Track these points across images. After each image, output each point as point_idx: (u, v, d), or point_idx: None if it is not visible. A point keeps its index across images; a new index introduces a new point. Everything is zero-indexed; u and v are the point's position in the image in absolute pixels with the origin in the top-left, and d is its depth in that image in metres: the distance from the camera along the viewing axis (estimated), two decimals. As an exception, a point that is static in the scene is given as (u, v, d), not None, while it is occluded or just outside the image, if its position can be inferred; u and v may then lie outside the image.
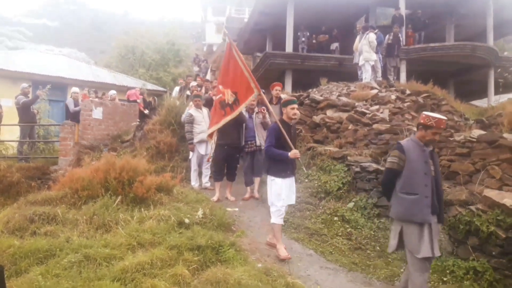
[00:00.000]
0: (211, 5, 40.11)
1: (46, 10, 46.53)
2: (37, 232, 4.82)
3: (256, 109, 7.30)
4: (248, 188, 7.36)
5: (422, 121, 3.86)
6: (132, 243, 4.47)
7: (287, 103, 5.06)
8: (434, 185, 3.81)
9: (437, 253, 3.74)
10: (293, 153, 4.83)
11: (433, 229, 3.73)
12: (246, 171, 7.30)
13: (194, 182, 7.80)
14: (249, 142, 7.23)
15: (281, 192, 4.89)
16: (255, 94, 5.35)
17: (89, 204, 5.43)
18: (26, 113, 10.17)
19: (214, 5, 39.40)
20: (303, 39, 16.55)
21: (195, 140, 7.72)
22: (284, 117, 5.04)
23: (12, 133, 10.87)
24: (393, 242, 3.90)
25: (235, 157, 7.35)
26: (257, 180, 7.36)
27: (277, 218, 4.97)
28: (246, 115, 7.29)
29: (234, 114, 5.54)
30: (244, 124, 7.25)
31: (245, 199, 7.21)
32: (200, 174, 7.98)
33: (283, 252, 4.87)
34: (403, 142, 3.98)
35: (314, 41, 16.95)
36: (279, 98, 7.79)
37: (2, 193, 8.51)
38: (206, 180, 7.91)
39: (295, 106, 5.03)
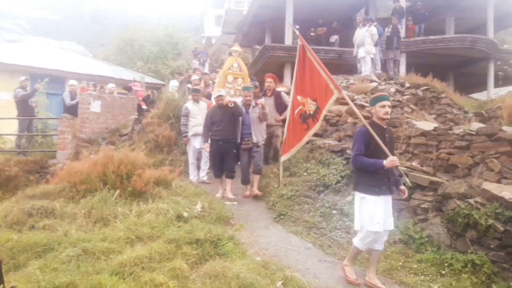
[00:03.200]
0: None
1: (45, 3, 46.22)
2: (35, 226, 4.83)
3: (252, 103, 7.07)
4: (248, 185, 7.15)
5: None
6: (130, 237, 4.46)
7: (375, 100, 4.06)
8: None
9: None
10: (390, 160, 3.77)
11: None
12: (244, 169, 7.06)
13: (192, 176, 7.78)
14: (245, 139, 6.98)
15: (375, 213, 3.85)
16: (335, 95, 4.46)
17: (88, 198, 5.43)
18: (24, 106, 10.14)
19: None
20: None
21: (189, 134, 7.68)
22: (374, 118, 4.08)
23: (10, 127, 10.83)
24: None
25: (231, 153, 7.01)
26: (256, 177, 7.09)
27: (360, 242, 4.06)
28: (243, 109, 7.06)
29: (318, 125, 4.74)
30: (240, 119, 7.00)
31: (246, 196, 7.03)
32: (198, 167, 7.95)
33: (350, 274, 4.18)
34: None
35: (312, 34, 16.84)
36: (273, 90, 7.75)
37: (0, 187, 8.50)
38: (203, 174, 7.84)
39: (386, 103, 3.98)
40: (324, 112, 4.67)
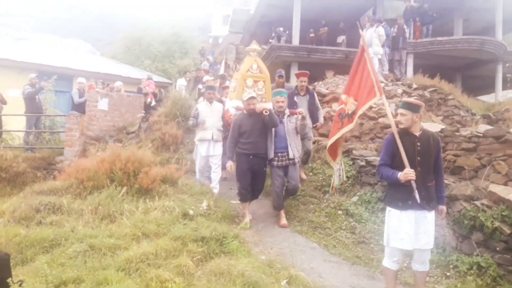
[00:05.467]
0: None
1: (52, 1, 46.53)
2: (43, 221, 4.87)
3: (287, 111, 5.92)
4: (282, 211, 5.89)
5: None
6: (136, 234, 4.50)
7: (399, 106, 3.79)
8: None
9: None
10: (403, 173, 3.53)
11: None
12: (278, 192, 5.73)
13: (199, 176, 6.99)
14: (279, 154, 5.69)
15: (400, 229, 3.61)
16: (377, 98, 4.26)
17: (95, 194, 5.47)
18: (32, 103, 10.22)
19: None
20: (283, 37, 16.63)
21: (196, 138, 6.84)
22: None
23: (18, 123, 10.94)
24: None
25: (263, 170, 5.83)
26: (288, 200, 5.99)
27: (388, 261, 3.80)
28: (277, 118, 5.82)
29: (351, 125, 4.54)
30: (274, 130, 5.77)
31: (283, 226, 5.70)
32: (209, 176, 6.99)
33: None
34: None
35: (311, 35, 16.84)
36: (307, 89, 7.01)
37: (8, 182, 8.58)
38: (214, 185, 6.67)
39: (399, 111, 3.74)
40: (359, 112, 4.48)
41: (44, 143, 10.68)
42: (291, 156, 5.67)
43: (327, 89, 10.19)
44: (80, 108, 10.27)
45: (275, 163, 5.70)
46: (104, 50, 28.91)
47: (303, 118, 5.66)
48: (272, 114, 5.59)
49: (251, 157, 5.64)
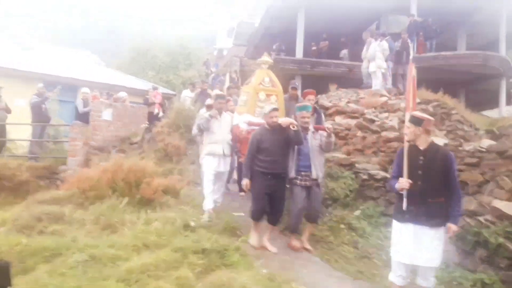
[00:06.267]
0: (223, 9, 40.56)
1: (62, 11, 47.12)
2: (44, 231, 4.88)
3: (311, 127, 5.48)
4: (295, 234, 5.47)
5: None
6: (137, 245, 4.48)
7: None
8: None
9: None
10: (399, 182, 3.63)
11: None
12: (298, 214, 5.27)
13: (208, 204, 5.84)
14: (302, 173, 5.24)
15: (399, 241, 3.67)
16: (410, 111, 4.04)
17: (96, 204, 5.48)
18: (37, 113, 10.29)
19: (226, 9, 39.85)
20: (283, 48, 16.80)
21: (204, 152, 6.07)
22: None
23: (23, 132, 11.00)
24: None
25: (282, 191, 5.27)
26: (310, 226, 5.46)
27: (393, 275, 3.79)
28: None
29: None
30: (297, 148, 5.31)
31: (296, 249, 5.27)
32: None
33: None
34: None
35: (314, 48, 16.95)
36: (314, 108, 6.41)
37: (11, 191, 8.58)
38: (216, 199, 6.05)
39: (407, 124, 3.79)
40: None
41: (48, 152, 10.73)
42: (314, 176, 5.24)
43: (330, 102, 10.21)
44: (84, 118, 10.32)
45: (298, 182, 5.24)
46: (110, 61, 29.15)
47: (329, 135, 5.25)
48: (299, 130, 5.10)
49: (269, 176, 5.10)
